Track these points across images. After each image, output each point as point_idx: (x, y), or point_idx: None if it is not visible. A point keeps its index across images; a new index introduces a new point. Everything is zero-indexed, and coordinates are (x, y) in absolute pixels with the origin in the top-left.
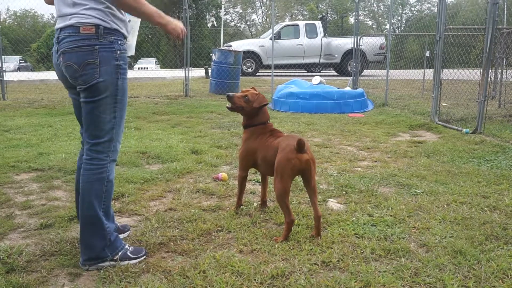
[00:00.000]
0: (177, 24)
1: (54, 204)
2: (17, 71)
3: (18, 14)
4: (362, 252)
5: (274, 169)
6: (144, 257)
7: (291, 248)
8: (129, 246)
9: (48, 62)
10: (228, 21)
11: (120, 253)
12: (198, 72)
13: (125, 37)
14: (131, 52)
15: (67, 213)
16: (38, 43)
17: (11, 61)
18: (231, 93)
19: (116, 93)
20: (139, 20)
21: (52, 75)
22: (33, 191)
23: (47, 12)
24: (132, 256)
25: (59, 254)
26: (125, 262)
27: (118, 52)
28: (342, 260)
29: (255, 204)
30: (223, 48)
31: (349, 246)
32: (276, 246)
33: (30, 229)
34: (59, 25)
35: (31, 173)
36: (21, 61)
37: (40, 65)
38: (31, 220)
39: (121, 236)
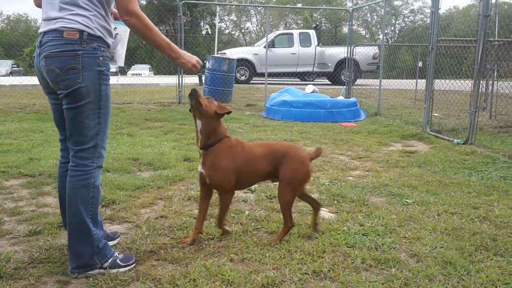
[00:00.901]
0: (189, 59)
1: (44, 210)
2: (9, 76)
3: (11, 18)
4: (353, 262)
5: (259, 179)
6: (134, 265)
7: (282, 257)
8: (118, 254)
9: None
10: (222, 28)
11: (109, 261)
12: (192, 79)
13: (108, 46)
14: (121, 63)
15: (57, 219)
16: (31, 48)
17: (4, 66)
18: (195, 88)
19: (99, 99)
20: (128, 30)
21: None
22: (22, 197)
23: (40, 17)
24: (121, 264)
25: (48, 262)
26: (115, 270)
27: (101, 58)
28: (332, 269)
29: (247, 212)
30: (217, 55)
31: (340, 256)
32: (267, 255)
33: (19, 236)
34: (43, 28)
35: (21, 178)
36: (13, 66)
37: (32, 70)
38: (20, 226)
39: (110, 243)
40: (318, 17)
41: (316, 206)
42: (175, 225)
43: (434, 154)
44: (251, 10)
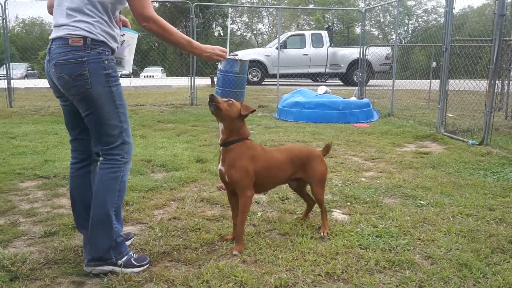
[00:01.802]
0: (212, 51)
1: (59, 211)
2: (24, 79)
3: (26, 22)
4: (366, 264)
5: (280, 183)
6: (147, 265)
7: (295, 258)
8: (133, 253)
9: None
10: (234, 30)
11: (124, 258)
12: (204, 81)
13: (113, 50)
14: (129, 68)
15: (71, 221)
16: (45, 51)
17: (19, 69)
18: (213, 94)
19: (114, 99)
20: (135, 37)
21: None
22: (38, 198)
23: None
24: (136, 263)
25: (63, 262)
26: (129, 270)
27: (106, 62)
28: (346, 271)
29: (259, 214)
30: (229, 57)
31: (353, 258)
32: (280, 256)
33: (34, 237)
34: (52, 35)
35: (36, 180)
36: (28, 69)
37: None
38: (35, 227)
39: None
40: (330, 17)
41: (311, 203)
42: (188, 227)
43: (449, 155)
44: (263, 12)
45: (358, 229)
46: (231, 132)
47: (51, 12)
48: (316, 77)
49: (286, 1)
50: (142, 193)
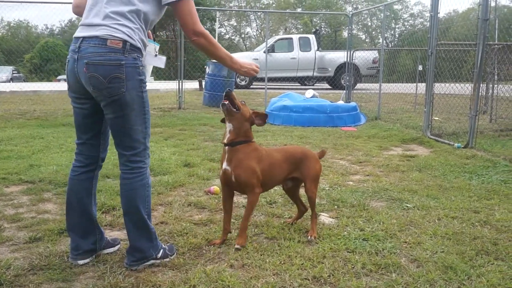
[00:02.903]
0: (249, 67)
1: (44, 217)
2: (9, 82)
3: (12, 24)
4: (353, 267)
5: (280, 182)
6: (176, 253)
7: (282, 262)
8: (164, 245)
9: (41, 73)
10: (222, 33)
11: (161, 252)
12: (192, 85)
13: (142, 55)
14: (148, 78)
15: (57, 226)
16: (32, 54)
17: (4, 72)
18: (230, 89)
19: (143, 105)
20: (157, 47)
21: (44, 86)
22: (23, 203)
23: (40, 23)
24: (169, 253)
25: (48, 268)
26: (167, 259)
27: (141, 68)
28: (333, 275)
29: None
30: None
31: (340, 261)
32: (267, 260)
33: (19, 243)
34: (82, 33)
35: (22, 185)
36: (14, 72)
37: (33, 76)
38: (20, 233)
39: (110, 250)
40: (318, 21)
41: (303, 210)
42: (175, 231)
43: (435, 158)
44: (251, 15)
45: (345, 232)
46: (238, 133)
47: (77, 12)
48: (304, 81)
49: (274, 5)
50: None
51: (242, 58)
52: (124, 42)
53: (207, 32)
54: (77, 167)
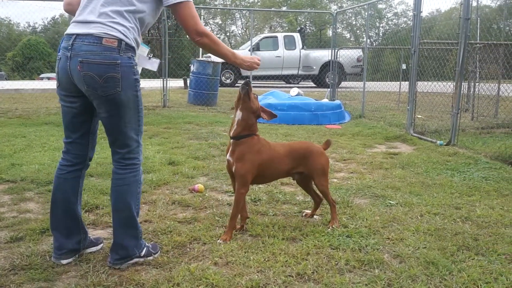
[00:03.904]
0: (251, 61)
1: (26, 216)
2: None
3: None
4: (337, 264)
5: (281, 175)
6: (159, 252)
7: (266, 260)
8: (148, 244)
9: (23, 71)
10: None
11: (144, 250)
12: (177, 83)
13: (136, 55)
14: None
15: (39, 225)
16: (14, 52)
17: None
18: (249, 80)
19: (138, 104)
20: (147, 50)
21: (27, 84)
22: (4, 203)
23: (22, 20)
24: (153, 252)
25: (30, 268)
26: (150, 258)
27: (135, 67)
28: (316, 271)
29: None
30: (202, 59)
31: (324, 258)
32: (252, 258)
33: (0, 243)
34: (75, 30)
35: (3, 184)
36: None
37: (15, 74)
38: (1, 233)
39: (93, 249)
40: (303, 20)
41: (318, 200)
42: (159, 229)
43: (418, 156)
44: (236, 14)
45: (329, 229)
46: (245, 126)
47: (68, 10)
48: (288, 79)
49: (259, 4)
50: None
51: None
52: (120, 41)
53: (209, 31)
54: (64, 166)
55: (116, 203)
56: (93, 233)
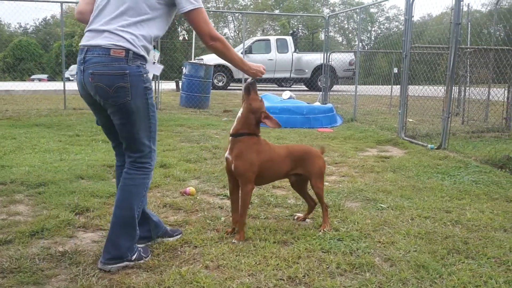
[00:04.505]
0: (257, 68)
1: (15, 219)
2: None
3: None
4: (328, 267)
5: (280, 176)
6: (150, 255)
7: (258, 263)
8: (139, 247)
9: (14, 72)
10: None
11: (136, 254)
12: (169, 85)
13: (146, 62)
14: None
15: (29, 228)
16: (4, 53)
17: None
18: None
19: (148, 111)
20: (158, 54)
21: (18, 86)
22: None
23: (14, 21)
24: (144, 255)
25: (19, 271)
26: (141, 261)
27: (145, 75)
28: (308, 275)
29: (222, 219)
30: (194, 61)
31: (315, 261)
32: (243, 261)
33: None
34: (87, 42)
35: None
36: None
37: (6, 75)
38: None
39: (170, 239)
40: (295, 23)
41: (312, 204)
42: None
43: (409, 159)
44: (229, 16)
45: (320, 232)
46: (244, 123)
47: (80, 19)
48: (281, 82)
49: (251, 6)
50: (104, 199)
51: (219, 59)
52: (127, 50)
53: (222, 36)
54: (118, 166)
55: (119, 201)
56: (83, 237)
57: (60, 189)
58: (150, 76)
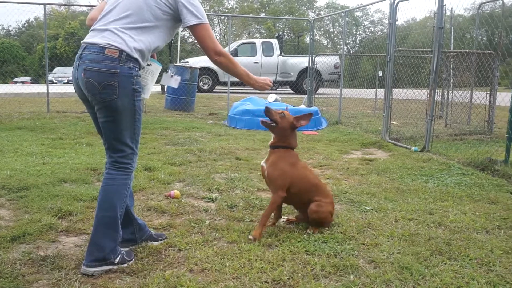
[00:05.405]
0: (263, 81)
1: None
2: None
3: None
4: (312, 269)
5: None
6: (134, 259)
7: (242, 266)
8: (123, 250)
9: None
10: (186, 37)
11: (119, 257)
12: (154, 88)
13: (140, 67)
14: (147, 95)
15: (10, 233)
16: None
17: None
18: (268, 107)
19: (134, 113)
20: (159, 68)
21: (0, 88)
22: None
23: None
24: (127, 259)
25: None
26: (124, 265)
27: (135, 77)
28: (292, 277)
29: (207, 222)
30: (179, 64)
31: (300, 264)
32: (227, 264)
33: None
34: (87, 39)
35: None
36: None
37: None
38: None
39: (154, 243)
40: (281, 26)
41: (279, 215)
42: None
43: (393, 162)
44: (214, 19)
45: (305, 235)
46: (280, 138)
47: (90, 25)
48: None
49: (237, 10)
50: (87, 202)
51: (205, 61)
52: (121, 51)
53: (226, 51)
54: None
55: (102, 202)
56: (65, 241)
57: (43, 193)
58: (172, 84)
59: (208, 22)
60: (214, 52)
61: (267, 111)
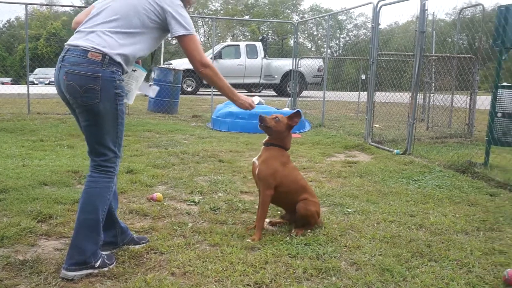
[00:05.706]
0: (245, 100)
1: None
2: None
3: None
4: (295, 272)
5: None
6: (115, 263)
7: (224, 269)
8: (103, 254)
9: None
10: (169, 39)
11: (99, 260)
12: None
13: (124, 72)
14: (131, 101)
15: None
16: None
17: None
18: (263, 115)
19: (117, 117)
20: (144, 74)
21: None
22: None
23: None
24: (108, 262)
25: None
26: (105, 268)
27: (118, 81)
28: (274, 280)
29: (190, 225)
30: (163, 66)
31: (282, 266)
32: (210, 267)
33: None
34: (70, 41)
35: None
36: None
37: None
38: None
39: (136, 247)
40: (265, 29)
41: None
42: None
43: (375, 164)
44: (199, 21)
45: (288, 238)
46: (275, 138)
47: (75, 29)
48: (250, 88)
49: (221, 12)
50: (68, 205)
51: (189, 63)
52: (104, 55)
53: (212, 64)
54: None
55: (84, 204)
56: (45, 244)
57: (22, 196)
58: (150, 93)
59: (196, 34)
60: (200, 63)
61: (262, 119)
